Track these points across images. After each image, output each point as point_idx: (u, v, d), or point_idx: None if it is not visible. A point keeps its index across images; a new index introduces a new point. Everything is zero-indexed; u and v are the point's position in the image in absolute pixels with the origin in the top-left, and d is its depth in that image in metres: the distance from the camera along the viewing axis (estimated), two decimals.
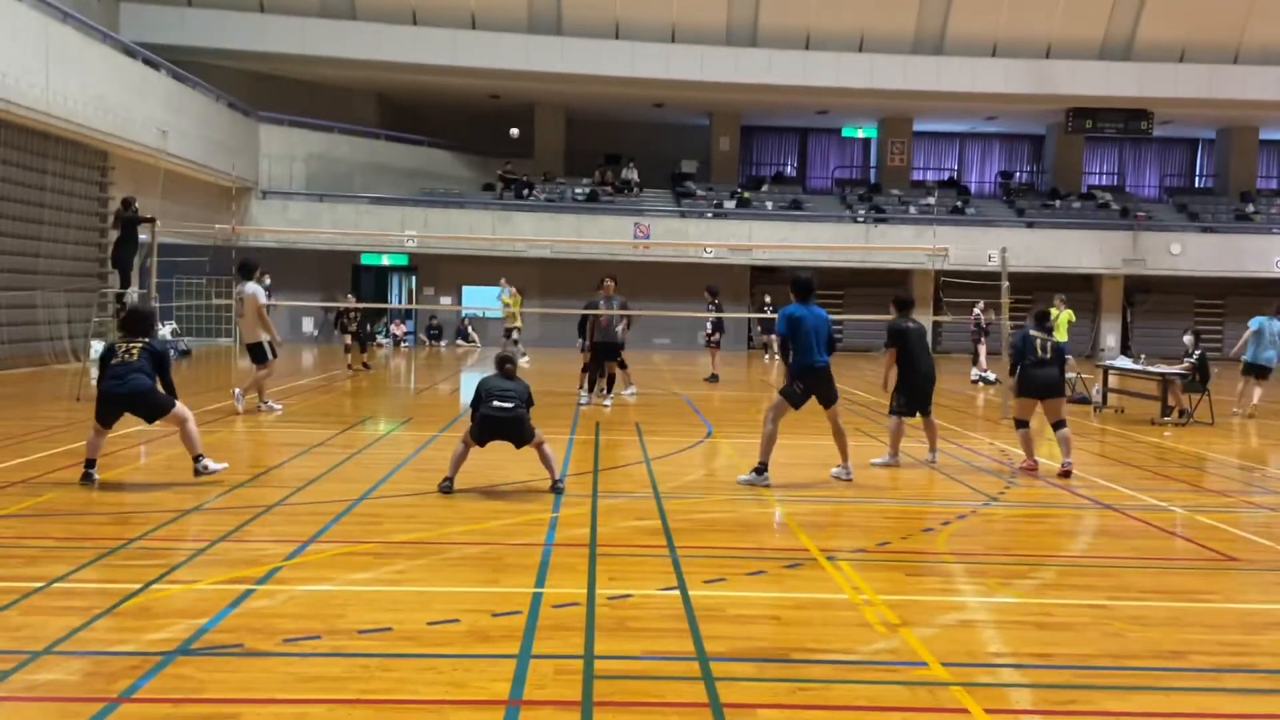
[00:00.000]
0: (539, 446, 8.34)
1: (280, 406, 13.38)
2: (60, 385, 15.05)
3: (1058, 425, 9.80)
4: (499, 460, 9.80)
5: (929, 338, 32.83)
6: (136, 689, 3.98)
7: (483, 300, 32.47)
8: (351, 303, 21.77)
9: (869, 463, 9.86)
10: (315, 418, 12.76)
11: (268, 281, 17.45)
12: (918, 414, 10.24)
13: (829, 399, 9.03)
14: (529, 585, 5.51)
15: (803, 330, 8.97)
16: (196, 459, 8.17)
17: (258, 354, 13.10)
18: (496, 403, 8.20)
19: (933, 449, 10.27)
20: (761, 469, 8.71)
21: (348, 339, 21.13)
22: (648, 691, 4.12)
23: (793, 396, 8.94)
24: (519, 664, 4.34)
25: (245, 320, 13.22)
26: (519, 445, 8.35)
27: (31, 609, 4.93)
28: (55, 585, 5.28)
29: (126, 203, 15.89)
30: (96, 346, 19.94)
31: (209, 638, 4.57)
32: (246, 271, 13.56)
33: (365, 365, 20.52)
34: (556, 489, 8.14)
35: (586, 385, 14.97)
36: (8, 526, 6.61)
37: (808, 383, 8.99)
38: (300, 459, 9.54)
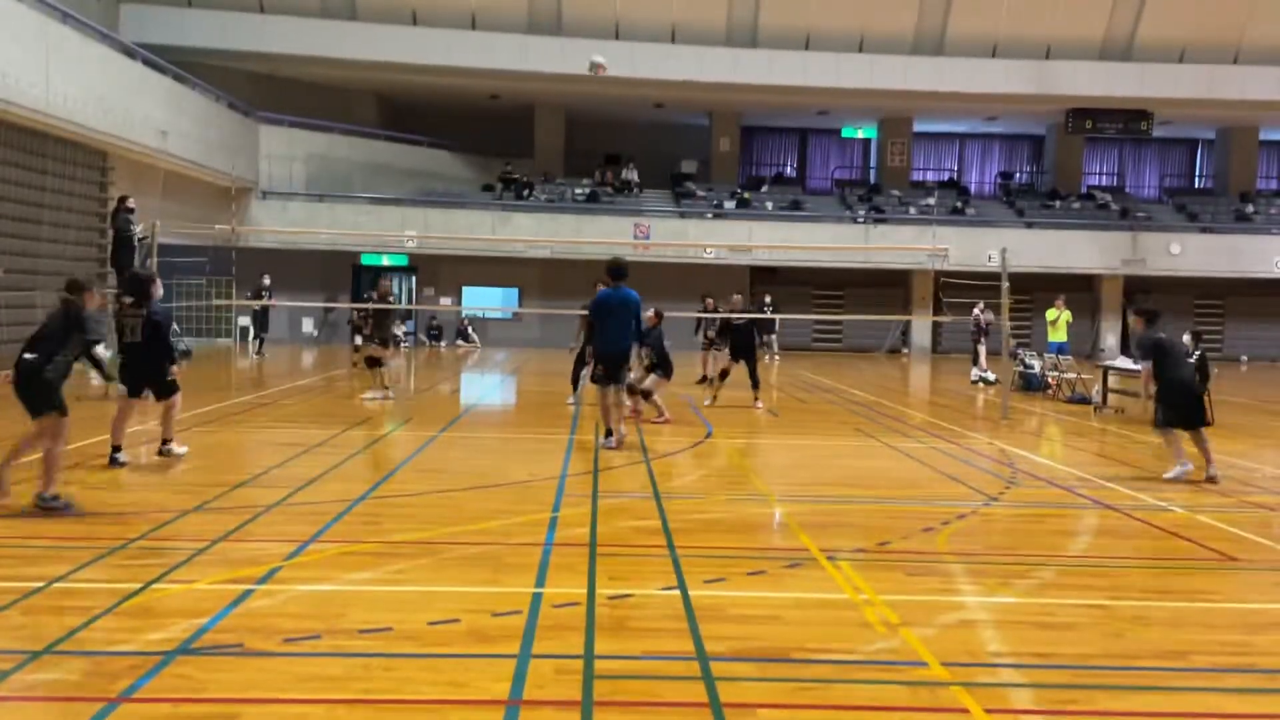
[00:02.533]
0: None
1: None
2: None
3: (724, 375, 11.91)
4: (499, 460, 9.80)
5: (928, 338, 32.90)
6: (136, 689, 3.98)
7: (485, 300, 32.52)
8: (372, 303, 22.13)
9: (1162, 476, 9.32)
10: (315, 418, 12.76)
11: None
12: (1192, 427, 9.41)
13: (619, 380, 10.39)
14: (529, 585, 5.51)
15: (611, 317, 10.24)
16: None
17: None
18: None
19: (1209, 462, 9.41)
20: (609, 434, 10.05)
21: (358, 339, 21.28)
22: (648, 691, 4.12)
23: (603, 381, 10.29)
24: (519, 664, 4.34)
25: None
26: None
27: (31, 609, 4.93)
28: (55, 585, 5.28)
29: (121, 201, 15.97)
30: (96, 347, 19.92)
31: (209, 637, 4.57)
32: None
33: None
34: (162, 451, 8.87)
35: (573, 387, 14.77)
36: (8, 526, 6.60)
37: (609, 366, 10.27)
38: (300, 459, 9.54)
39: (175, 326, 10.21)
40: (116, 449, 8.82)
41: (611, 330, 10.29)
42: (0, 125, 17.37)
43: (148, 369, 8.98)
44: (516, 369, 22.58)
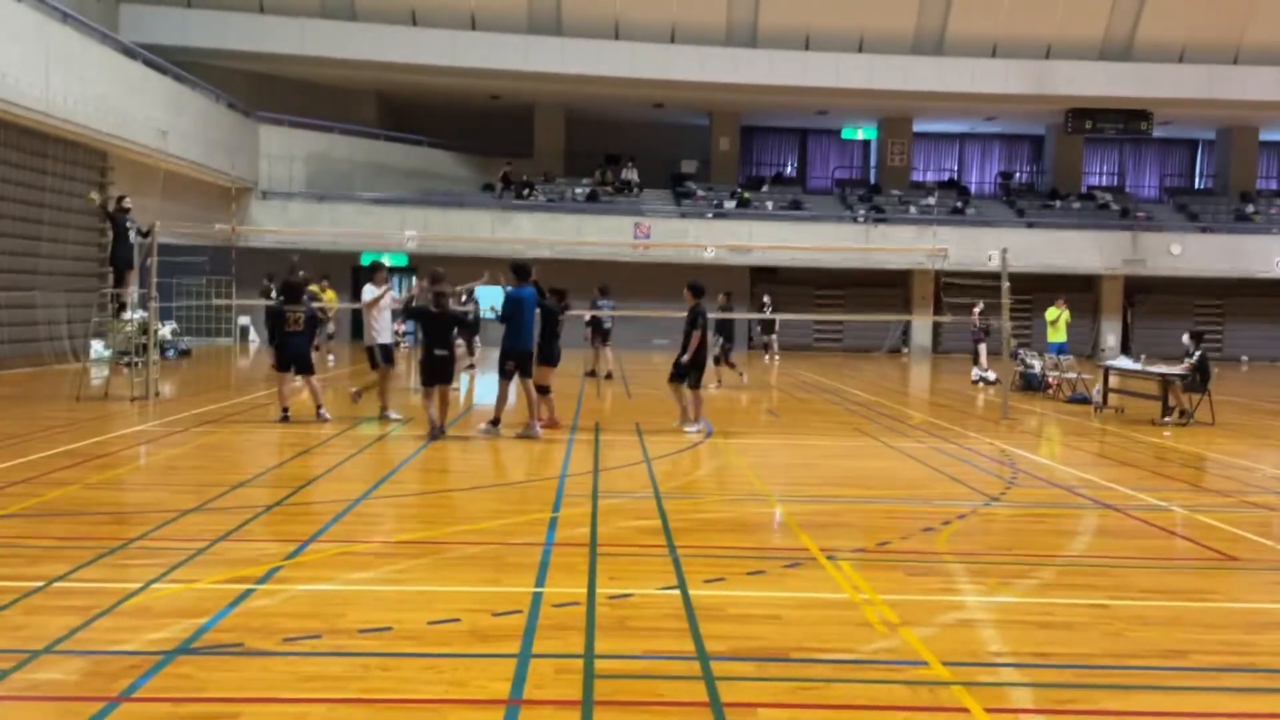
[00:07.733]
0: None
1: None
2: (60, 385, 15.04)
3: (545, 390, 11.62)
4: (499, 460, 9.80)
5: (929, 338, 32.91)
6: (136, 688, 3.98)
7: (485, 300, 32.48)
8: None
9: (684, 430, 11.45)
10: (316, 418, 12.74)
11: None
12: None
13: (527, 373, 11.03)
14: (529, 585, 5.51)
15: (522, 313, 10.76)
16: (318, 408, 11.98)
17: None
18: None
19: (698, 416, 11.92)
20: (496, 422, 10.91)
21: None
22: (648, 691, 4.12)
23: (509, 377, 10.88)
24: (519, 663, 4.34)
25: None
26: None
27: (31, 609, 4.93)
28: (55, 585, 5.28)
29: (119, 201, 15.97)
30: (96, 347, 19.93)
31: (209, 637, 4.57)
32: None
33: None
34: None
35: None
36: (8, 526, 6.60)
37: (519, 362, 10.84)
38: (300, 459, 9.54)
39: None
40: (285, 410, 11.90)
41: (529, 327, 11.09)
42: (0, 125, 17.37)
43: (302, 352, 11.85)
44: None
